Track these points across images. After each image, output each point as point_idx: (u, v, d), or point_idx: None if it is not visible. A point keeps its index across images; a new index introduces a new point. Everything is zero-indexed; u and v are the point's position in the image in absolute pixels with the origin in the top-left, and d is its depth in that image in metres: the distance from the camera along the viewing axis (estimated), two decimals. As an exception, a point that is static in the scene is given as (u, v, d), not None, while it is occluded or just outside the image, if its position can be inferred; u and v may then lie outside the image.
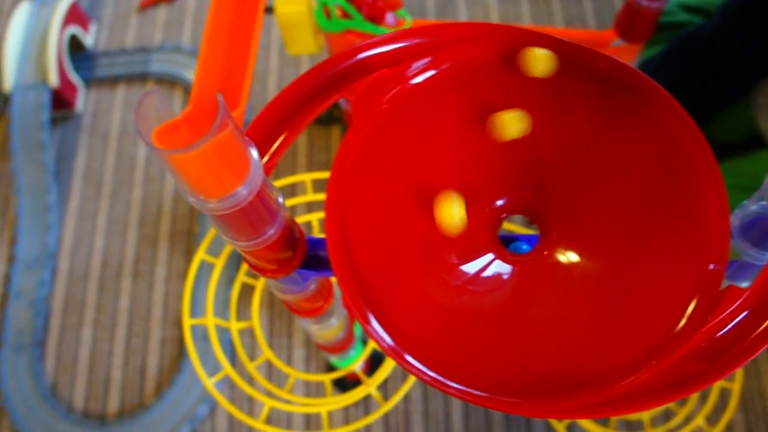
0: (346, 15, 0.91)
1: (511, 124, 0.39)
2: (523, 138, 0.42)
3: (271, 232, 0.37)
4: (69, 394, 1.13)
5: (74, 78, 1.35)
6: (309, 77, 0.40)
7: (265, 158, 0.38)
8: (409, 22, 0.95)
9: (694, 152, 0.36)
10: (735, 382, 0.77)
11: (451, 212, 0.38)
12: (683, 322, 0.34)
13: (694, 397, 0.80)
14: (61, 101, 1.31)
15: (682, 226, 0.36)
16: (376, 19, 0.91)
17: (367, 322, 0.35)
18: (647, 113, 0.38)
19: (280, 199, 0.37)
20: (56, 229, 1.23)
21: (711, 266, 0.34)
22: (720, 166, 0.36)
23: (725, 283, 0.34)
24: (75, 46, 1.40)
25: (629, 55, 0.99)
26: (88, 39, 1.43)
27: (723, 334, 0.34)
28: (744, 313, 0.34)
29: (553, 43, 0.40)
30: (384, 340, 0.35)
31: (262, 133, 0.39)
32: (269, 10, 0.96)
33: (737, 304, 0.34)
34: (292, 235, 0.41)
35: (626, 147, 0.39)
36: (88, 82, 1.39)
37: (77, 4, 1.39)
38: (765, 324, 0.33)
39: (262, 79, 1.37)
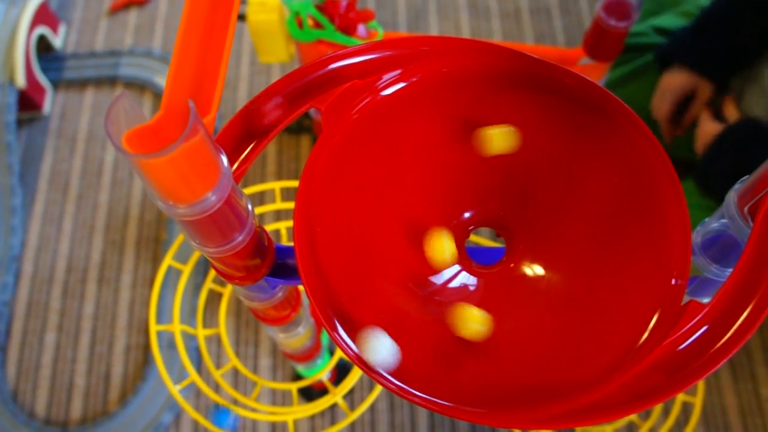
0: (318, 25, 0.91)
1: (498, 139, 0.40)
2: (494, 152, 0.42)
3: (240, 239, 0.37)
4: (30, 400, 1.11)
5: (42, 79, 1.33)
6: (280, 86, 0.40)
7: (235, 165, 0.38)
8: (380, 34, 0.96)
9: (658, 169, 0.37)
10: (697, 397, 0.78)
11: (442, 248, 0.39)
12: (645, 335, 0.34)
13: (657, 410, 0.81)
14: (28, 103, 1.30)
15: (645, 242, 0.37)
16: (348, 30, 0.92)
17: (334, 329, 0.35)
18: (613, 131, 0.39)
19: (249, 207, 0.37)
20: (20, 233, 1.22)
21: (673, 281, 0.35)
22: (683, 184, 0.36)
23: (686, 299, 0.35)
24: (43, 47, 1.38)
25: (597, 73, 1.01)
26: (57, 40, 1.41)
27: (683, 348, 0.34)
28: (704, 328, 0.34)
29: (522, 59, 0.40)
30: (350, 348, 0.35)
31: (231, 141, 0.39)
32: (241, 17, 0.96)
33: (697, 318, 0.34)
34: (260, 243, 0.41)
35: (592, 163, 0.40)
36: (57, 84, 1.38)
37: (46, 4, 1.37)
38: (724, 339, 0.34)
39: (232, 86, 1.37)
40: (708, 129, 1.01)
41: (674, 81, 1.06)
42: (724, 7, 1.03)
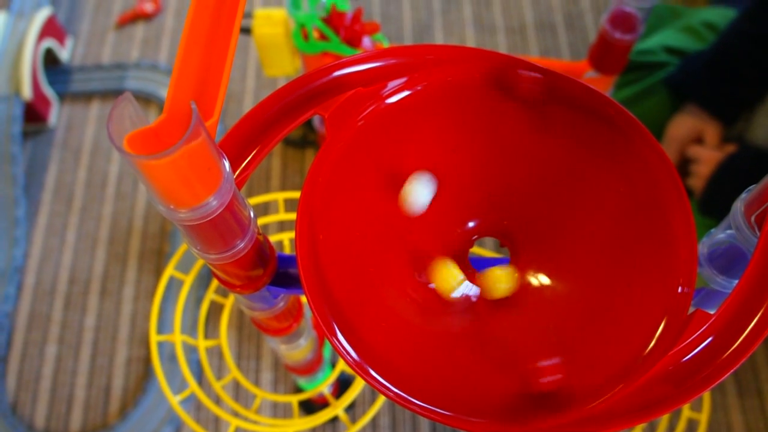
0: (323, 37, 0.92)
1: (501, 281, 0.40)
2: (495, 161, 0.42)
3: (241, 245, 0.36)
4: (30, 412, 1.10)
5: (48, 92, 1.34)
6: (284, 93, 0.40)
7: (237, 171, 0.38)
8: (385, 46, 0.96)
9: (665, 179, 0.37)
10: (703, 413, 0.77)
11: (449, 275, 0.40)
12: (652, 344, 0.34)
13: (663, 426, 0.80)
14: (34, 114, 1.30)
15: (652, 251, 0.36)
16: (354, 42, 0.92)
17: (334, 335, 0.35)
18: (619, 140, 0.39)
19: (252, 214, 0.37)
20: (23, 244, 1.22)
21: (679, 289, 0.34)
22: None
23: (692, 310, 0.35)
24: (50, 59, 1.39)
25: (603, 86, 1.01)
26: (64, 53, 1.42)
27: (689, 358, 0.34)
28: (709, 339, 0.34)
29: (533, 69, 0.40)
30: (349, 354, 0.34)
31: (234, 147, 0.38)
32: (247, 31, 0.97)
33: (703, 329, 0.34)
34: (262, 251, 0.41)
35: (599, 173, 0.40)
36: (63, 96, 1.38)
37: (54, 17, 1.38)
38: (730, 350, 0.33)
39: (237, 100, 1.37)
40: (708, 156, 1.01)
41: (679, 130, 1.06)
42: (739, 43, 1.02)
